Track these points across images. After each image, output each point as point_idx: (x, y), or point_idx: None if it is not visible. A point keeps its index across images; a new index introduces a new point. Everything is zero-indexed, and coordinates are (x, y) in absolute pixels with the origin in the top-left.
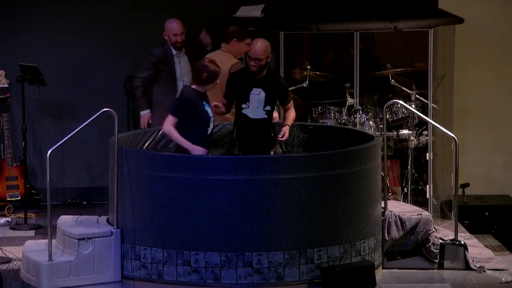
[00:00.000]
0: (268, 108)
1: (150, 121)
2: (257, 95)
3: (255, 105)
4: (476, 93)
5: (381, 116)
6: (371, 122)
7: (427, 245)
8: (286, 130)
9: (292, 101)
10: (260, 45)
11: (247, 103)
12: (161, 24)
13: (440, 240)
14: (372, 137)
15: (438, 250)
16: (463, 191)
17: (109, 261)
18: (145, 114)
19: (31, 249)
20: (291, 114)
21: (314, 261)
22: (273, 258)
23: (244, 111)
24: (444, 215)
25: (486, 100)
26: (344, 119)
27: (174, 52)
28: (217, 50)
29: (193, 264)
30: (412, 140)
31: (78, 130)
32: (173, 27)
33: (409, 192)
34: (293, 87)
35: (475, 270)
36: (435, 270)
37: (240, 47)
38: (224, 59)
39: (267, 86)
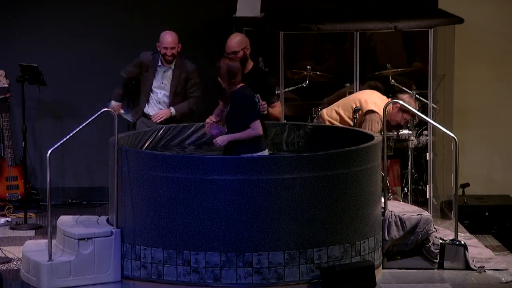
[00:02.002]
0: None
1: (117, 112)
2: None
3: None
4: (476, 93)
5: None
6: None
7: (427, 245)
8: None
9: (278, 102)
10: (234, 40)
11: None
12: (161, 24)
13: (440, 240)
14: (372, 137)
15: (438, 250)
16: (463, 191)
17: (109, 261)
18: (111, 104)
19: (31, 249)
20: (277, 109)
21: (314, 261)
22: (273, 258)
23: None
24: (444, 215)
25: (486, 100)
26: None
27: (159, 63)
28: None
29: (193, 264)
30: (412, 140)
31: (78, 130)
32: (164, 40)
33: (409, 192)
34: (293, 87)
35: (475, 270)
36: (435, 270)
37: (397, 116)
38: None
39: (252, 81)
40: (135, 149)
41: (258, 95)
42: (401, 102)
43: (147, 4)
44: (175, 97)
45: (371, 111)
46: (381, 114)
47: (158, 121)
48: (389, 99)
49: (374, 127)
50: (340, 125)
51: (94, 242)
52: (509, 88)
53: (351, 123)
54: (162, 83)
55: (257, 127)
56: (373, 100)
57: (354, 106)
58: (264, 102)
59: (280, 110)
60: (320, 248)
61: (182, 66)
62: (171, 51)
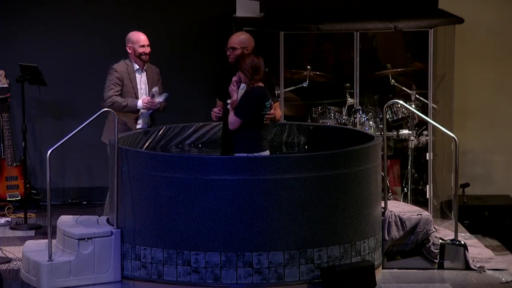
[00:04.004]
0: None
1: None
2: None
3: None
4: (476, 93)
5: (381, 116)
6: (371, 122)
7: (427, 245)
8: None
9: (278, 103)
10: (238, 36)
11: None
12: (161, 24)
13: (440, 240)
14: (372, 137)
15: (438, 250)
16: (463, 191)
17: (109, 261)
18: (140, 102)
19: (31, 249)
20: (277, 111)
21: (314, 261)
22: (273, 258)
23: (228, 107)
24: (444, 215)
25: (486, 100)
26: (344, 119)
27: (136, 67)
28: None
29: (193, 264)
30: (412, 140)
31: (78, 130)
32: (141, 39)
33: (409, 192)
34: (293, 87)
35: (475, 270)
36: (435, 270)
37: None
38: None
39: None
40: (135, 149)
41: (272, 102)
42: (401, 102)
43: (147, 4)
44: (152, 98)
45: None
46: None
47: (154, 106)
48: None
49: None
50: None
51: (94, 242)
52: (509, 88)
53: None
54: (141, 88)
55: (234, 125)
56: None
57: None
58: (272, 112)
59: (279, 111)
60: (320, 248)
61: (150, 67)
62: (148, 48)
